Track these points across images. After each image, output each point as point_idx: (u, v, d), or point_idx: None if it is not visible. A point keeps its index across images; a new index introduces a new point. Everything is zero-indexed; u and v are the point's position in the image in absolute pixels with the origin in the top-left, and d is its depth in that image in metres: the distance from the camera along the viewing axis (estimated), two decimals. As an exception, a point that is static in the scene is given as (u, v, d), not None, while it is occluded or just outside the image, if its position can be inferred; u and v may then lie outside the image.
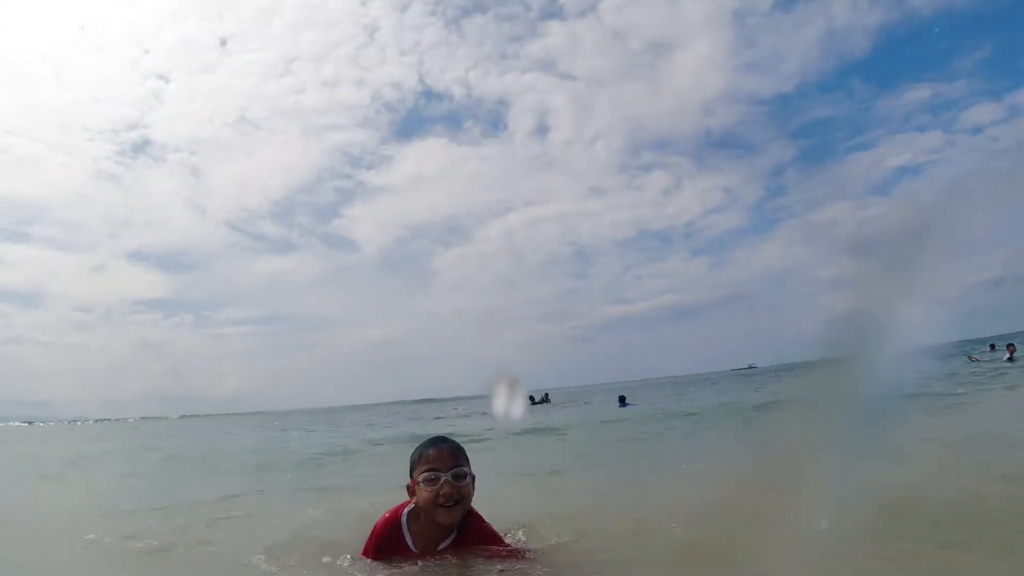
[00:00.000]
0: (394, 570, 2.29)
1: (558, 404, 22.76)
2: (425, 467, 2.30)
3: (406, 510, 2.40)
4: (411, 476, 2.37)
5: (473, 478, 2.37)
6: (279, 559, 2.69)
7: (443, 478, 2.26)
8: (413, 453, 2.42)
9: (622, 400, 19.65)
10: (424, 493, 2.28)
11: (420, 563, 2.30)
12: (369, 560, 2.36)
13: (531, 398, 24.51)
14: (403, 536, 2.36)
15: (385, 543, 2.37)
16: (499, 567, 2.29)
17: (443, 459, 2.31)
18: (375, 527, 2.43)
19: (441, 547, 2.35)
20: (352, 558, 2.44)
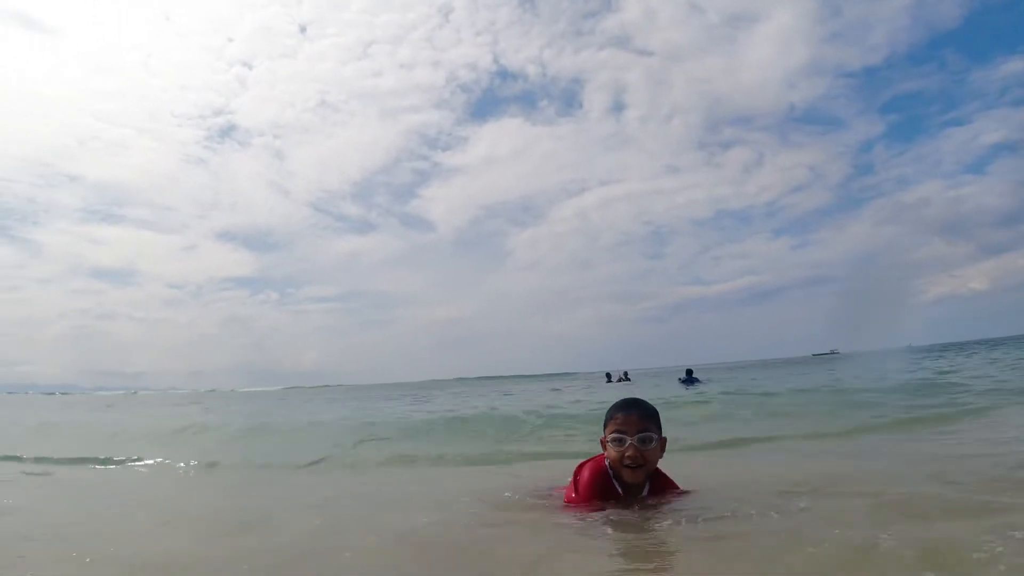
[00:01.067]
0: (621, 510, 2.43)
1: (637, 383, 22.74)
2: (614, 429, 2.45)
3: (607, 461, 2.53)
4: (603, 432, 2.52)
5: (663, 441, 2.48)
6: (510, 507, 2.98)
7: (628, 441, 2.39)
8: (607, 412, 2.56)
9: (689, 375, 17.64)
10: (612, 452, 2.45)
11: (636, 507, 2.44)
12: (584, 505, 2.51)
13: (608, 375, 24.69)
14: (612, 483, 2.50)
15: (600, 489, 2.50)
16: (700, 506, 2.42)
17: (631, 424, 2.43)
18: (583, 476, 2.57)
19: (643, 494, 2.51)
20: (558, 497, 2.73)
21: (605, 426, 2.51)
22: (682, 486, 2.67)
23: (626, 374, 24.89)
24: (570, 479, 2.66)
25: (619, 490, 2.49)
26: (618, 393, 15.66)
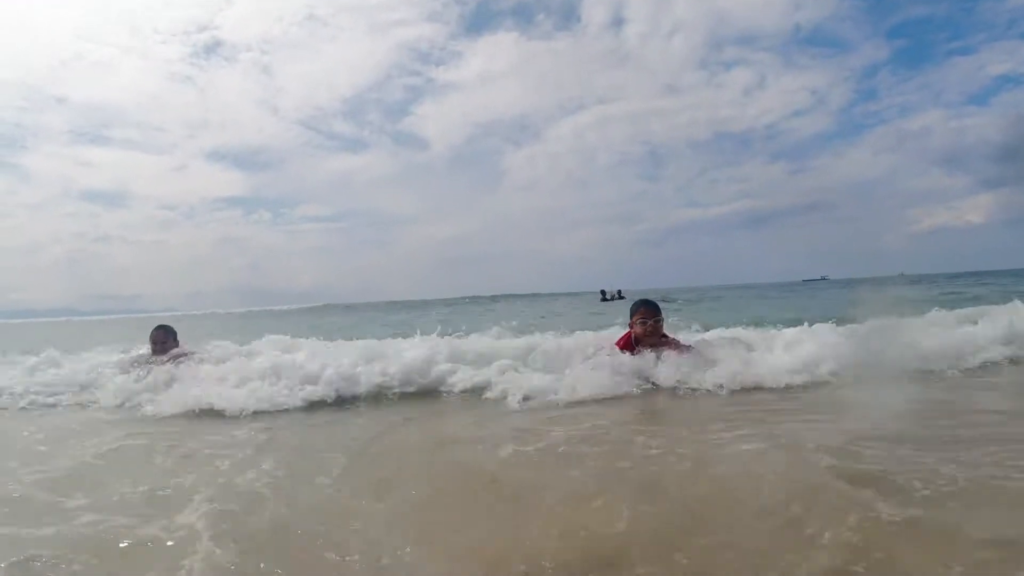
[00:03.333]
0: (635, 353, 4.07)
1: (631, 301, 26.18)
2: (639, 316, 4.21)
3: (633, 335, 4.26)
4: (631, 319, 4.29)
5: (663, 322, 4.25)
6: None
7: (649, 322, 4.17)
8: (632, 306, 4.33)
9: (604, 294, 20.19)
10: (638, 329, 4.19)
11: (647, 350, 4.10)
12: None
13: (602, 293, 28.03)
14: (633, 344, 4.23)
15: (625, 346, 4.22)
16: (686, 353, 4.05)
17: (649, 312, 4.21)
18: (622, 339, 4.29)
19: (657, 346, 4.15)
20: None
21: (632, 315, 4.30)
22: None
23: (619, 292, 28.18)
24: (613, 343, 4.37)
25: (635, 347, 4.21)
26: (611, 307, 19.11)
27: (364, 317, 18.81)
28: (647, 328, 4.17)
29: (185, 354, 5.68)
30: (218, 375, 4.49)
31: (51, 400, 4.49)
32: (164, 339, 5.74)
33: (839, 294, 18.35)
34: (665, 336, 4.30)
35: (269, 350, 5.62)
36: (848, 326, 5.00)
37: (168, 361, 5.34)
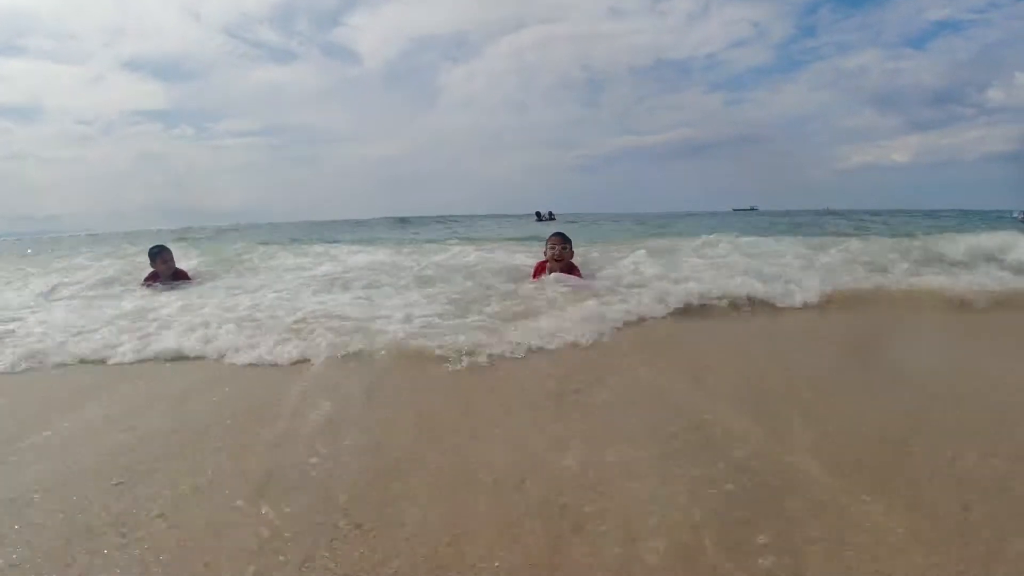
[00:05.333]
0: (545, 279, 4.92)
1: (561, 222, 27.90)
2: (549, 244, 5.12)
3: (547, 260, 5.16)
4: (545, 246, 5.21)
5: (571, 250, 5.13)
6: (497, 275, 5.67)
7: (556, 248, 5.05)
8: (548, 239, 5.18)
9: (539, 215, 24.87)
10: (548, 253, 5.10)
11: (553, 275, 4.94)
12: (537, 278, 5.10)
13: (537, 214, 29.78)
14: (547, 268, 5.10)
15: (541, 270, 5.17)
16: (581, 281, 4.92)
17: (556, 240, 5.10)
18: (536, 266, 5.30)
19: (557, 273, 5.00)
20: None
21: (546, 243, 5.23)
22: (583, 274, 5.13)
23: (551, 214, 30.18)
24: (534, 265, 5.47)
25: (550, 272, 5.09)
26: (545, 226, 20.91)
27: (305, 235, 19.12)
28: (554, 253, 5.08)
29: (188, 277, 6.19)
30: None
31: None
32: (168, 259, 6.06)
33: (770, 224, 19.31)
34: (572, 265, 5.14)
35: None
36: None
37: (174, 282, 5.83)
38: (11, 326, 4.15)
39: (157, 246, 6.16)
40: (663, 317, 4.07)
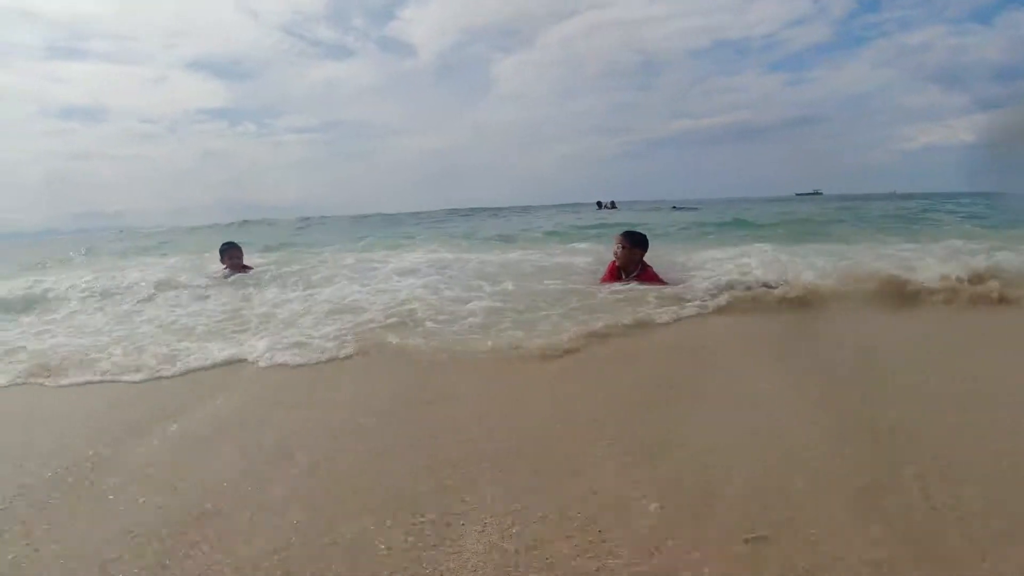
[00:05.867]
0: (617, 284, 4.66)
1: (623, 210, 27.86)
2: (616, 243, 4.78)
3: (616, 260, 4.79)
4: (614, 245, 4.82)
5: (638, 251, 4.71)
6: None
7: (622, 249, 4.71)
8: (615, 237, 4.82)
9: (600, 204, 27.84)
10: (616, 253, 4.76)
11: (628, 281, 4.65)
12: (609, 282, 4.75)
13: (599, 203, 29.75)
14: (621, 273, 4.77)
15: (616, 275, 4.77)
16: (658, 285, 4.55)
17: (621, 240, 4.74)
18: (609, 266, 4.85)
19: (634, 274, 4.70)
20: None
21: (615, 243, 4.84)
22: (666, 279, 4.69)
23: (612, 203, 30.01)
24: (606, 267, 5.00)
25: (622, 275, 4.80)
26: (606, 215, 21.11)
27: (369, 229, 19.75)
28: (620, 255, 4.77)
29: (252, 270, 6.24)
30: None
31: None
32: (236, 256, 6.19)
33: (841, 209, 18.77)
34: (646, 266, 4.77)
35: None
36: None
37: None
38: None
39: (227, 243, 6.38)
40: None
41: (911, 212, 15.23)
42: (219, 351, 3.69)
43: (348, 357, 3.52)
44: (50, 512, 1.89)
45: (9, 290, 6.40)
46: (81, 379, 3.36)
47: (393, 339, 3.72)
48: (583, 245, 9.19)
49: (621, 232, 4.83)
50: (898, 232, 9.50)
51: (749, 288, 4.40)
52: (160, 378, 3.33)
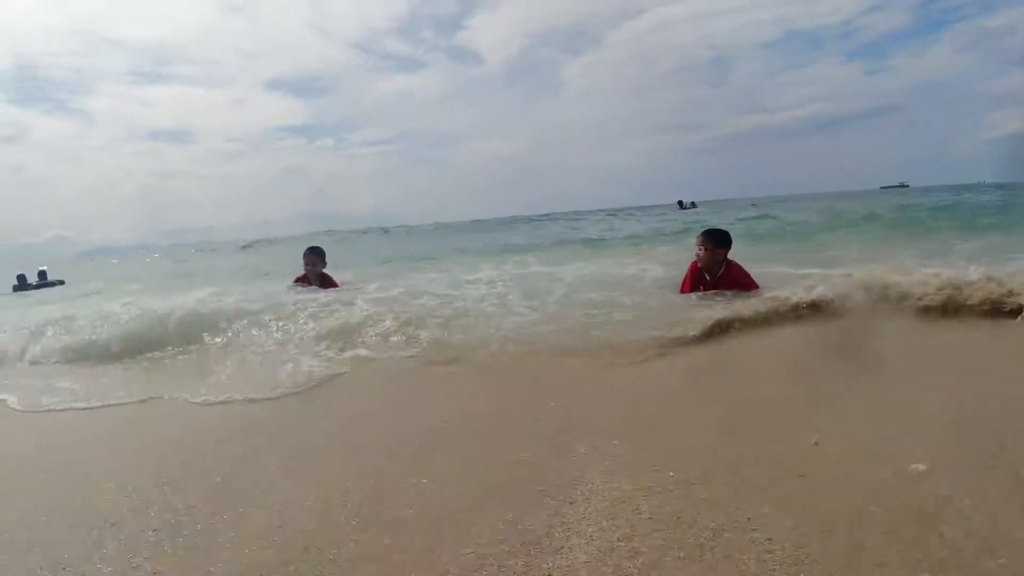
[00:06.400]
0: (699, 289, 4.53)
1: (703, 210, 28.16)
2: (699, 244, 4.60)
3: (698, 261, 4.65)
4: (696, 247, 4.65)
5: (720, 251, 4.51)
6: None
7: (703, 250, 4.55)
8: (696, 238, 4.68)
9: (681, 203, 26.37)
10: (697, 255, 4.60)
11: (714, 285, 4.52)
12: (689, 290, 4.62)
13: (680, 203, 30.27)
14: (704, 274, 4.61)
15: (698, 276, 4.63)
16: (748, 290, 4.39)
17: (702, 240, 4.59)
18: (689, 267, 4.68)
19: (717, 278, 4.57)
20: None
21: (697, 244, 4.70)
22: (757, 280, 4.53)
23: (693, 203, 30.44)
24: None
25: (707, 276, 4.64)
26: (688, 215, 21.62)
27: (466, 238, 20.68)
28: (702, 257, 4.60)
29: (337, 284, 6.04)
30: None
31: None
32: (315, 261, 5.98)
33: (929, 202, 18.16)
34: (728, 263, 4.59)
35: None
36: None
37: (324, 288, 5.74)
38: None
39: (310, 247, 6.15)
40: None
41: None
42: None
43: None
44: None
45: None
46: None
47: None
48: (664, 249, 9.36)
49: (702, 232, 4.81)
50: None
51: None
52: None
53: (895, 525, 1.50)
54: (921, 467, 1.76)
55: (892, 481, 1.71)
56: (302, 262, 6.11)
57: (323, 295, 5.40)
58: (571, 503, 1.75)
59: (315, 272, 5.99)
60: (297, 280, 6.05)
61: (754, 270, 4.70)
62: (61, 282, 15.26)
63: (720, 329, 3.64)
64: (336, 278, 6.29)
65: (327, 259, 6.19)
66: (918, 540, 1.43)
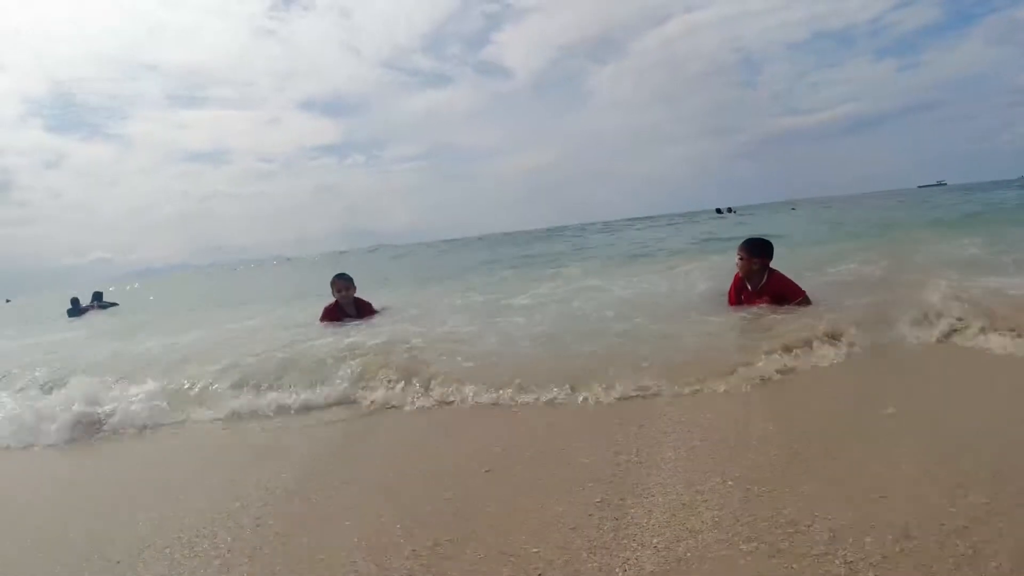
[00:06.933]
0: (741, 299, 4.61)
1: (742, 215, 27.31)
2: (738, 254, 4.55)
3: (740, 273, 4.64)
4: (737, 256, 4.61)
5: (761, 260, 4.45)
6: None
7: (743, 261, 4.50)
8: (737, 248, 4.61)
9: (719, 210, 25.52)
10: (738, 264, 4.60)
11: (756, 296, 4.50)
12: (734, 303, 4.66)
13: (718, 210, 29.62)
14: (746, 285, 4.62)
15: (740, 285, 4.65)
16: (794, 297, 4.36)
17: (742, 250, 4.52)
18: (733, 280, 4.70)
19: (762, 282, 4.52)
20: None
21: (737, 253, 4.64)
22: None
23: (731, 209, 29.78)
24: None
25: (748, 286, 4.65)
26: (726, 221, 20.95)
27: (499, 252, 20.31)
28: (742, 267, 4.56)
29: (375, 310, 5.98)
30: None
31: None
32: (346, 286, 5.79)
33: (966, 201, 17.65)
34: (771, 272, 4.51)
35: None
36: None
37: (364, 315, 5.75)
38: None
39: (338, 274, 5.97)
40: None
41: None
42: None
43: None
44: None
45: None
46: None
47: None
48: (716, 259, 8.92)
49: (742, 242, 4.64)
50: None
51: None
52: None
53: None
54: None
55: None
56: (330, 289, 5.93)
57: (366, 329, 5.16)
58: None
59: (347, 298, 5.83)
60: (326, 310, 5.86)
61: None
62: (115, 304, 15.33)
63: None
64: (373, 303, 6.13)
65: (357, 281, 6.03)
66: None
